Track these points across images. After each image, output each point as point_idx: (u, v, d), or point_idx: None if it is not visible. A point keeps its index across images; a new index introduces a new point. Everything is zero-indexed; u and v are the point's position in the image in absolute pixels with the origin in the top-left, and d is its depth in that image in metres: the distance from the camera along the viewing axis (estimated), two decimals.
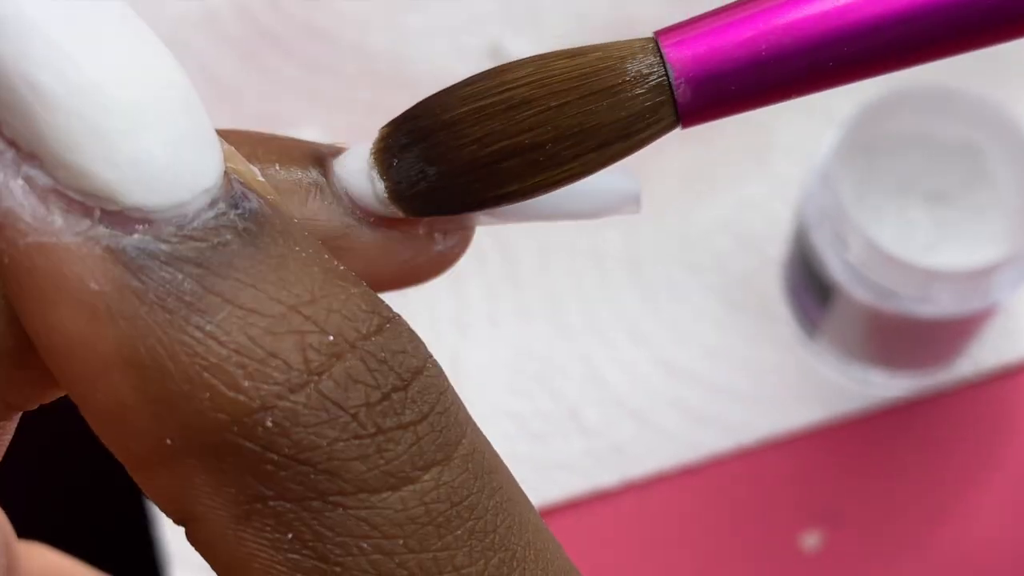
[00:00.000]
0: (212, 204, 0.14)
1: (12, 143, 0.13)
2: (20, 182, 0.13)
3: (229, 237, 0.14)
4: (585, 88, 0.17)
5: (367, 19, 0.59)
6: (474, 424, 0.15)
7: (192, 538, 0.14)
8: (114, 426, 0.14)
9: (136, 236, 0.13)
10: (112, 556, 0.24)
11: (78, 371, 0.14)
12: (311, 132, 0.56)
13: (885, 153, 0.49)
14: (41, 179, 0.13)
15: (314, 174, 0.17)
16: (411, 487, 0.14)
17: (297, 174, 0.17)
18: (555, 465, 0.51)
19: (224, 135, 0.16)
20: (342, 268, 0.15)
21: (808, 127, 0.56)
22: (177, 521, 0.14)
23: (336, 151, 0.17)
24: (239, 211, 0.14)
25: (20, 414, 0.16)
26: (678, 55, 0.17)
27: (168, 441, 0.13)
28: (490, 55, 0.58)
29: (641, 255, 0.54)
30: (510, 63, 0.18)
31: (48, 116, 0.13)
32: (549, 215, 0.19)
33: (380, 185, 0.17)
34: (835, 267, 0.47)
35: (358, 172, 0.17)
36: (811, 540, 0.50)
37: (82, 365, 0.14)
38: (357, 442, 0.14)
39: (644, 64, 0.17)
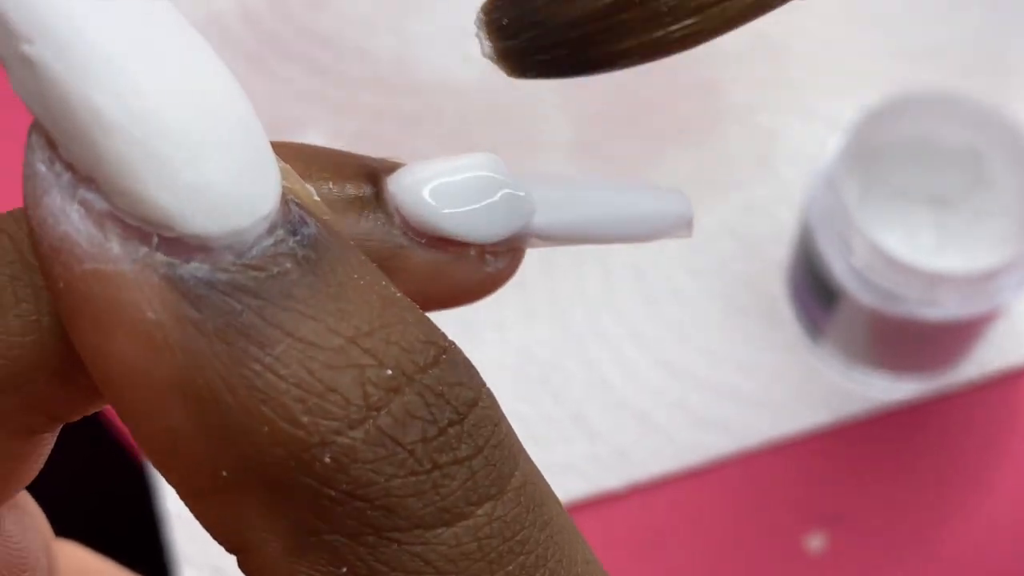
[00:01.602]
0: (271, 230, 0.14)
1: (69, 166, 0.13)
2: (77, 206, 0.13)
3: (288, 266, 0.13)
4: None
5: (372, 24, 0.59)
6: (525, 453, 0.15)
7: (244, 567, 0.14)
8: (168, 455, 0.14)
9: (194, 264, 0.13)
10: (121, 557, 0.24)
11: (133, 399, 0.13)
12: (315, 136, 0.57)
13: (889, 158, 0.49)
14: (98, 203, 0.13)
15: (367, 190, 0.17)
16: (465, 523, 0.14)
17: (350, 190, 0.16)
18: (559, 468, 0.51)
19: (277, 148, 0.16)
20: (398, 295, 0.14)
21: (811, 132, 0.56)
22: (229, 550, 0.14)
23: (390, 167, 0.17)
24: (298, 237, 0.14)
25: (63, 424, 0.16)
26: None
27: (224, 473, 0.13)
28: None
29: (645, 259, 0.55)
30: None
31: (106, 141, 0.13)
32: (601, 238, 0.18)
33: (487, 45, 0.16)
34: (839, 271, 0.47)
35: (412, 190, 0.17)
36: (816, 542, 0.50)
37: (137, 394, 0.13)
38: (413, 479, 0.13)
39: None
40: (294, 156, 0.16)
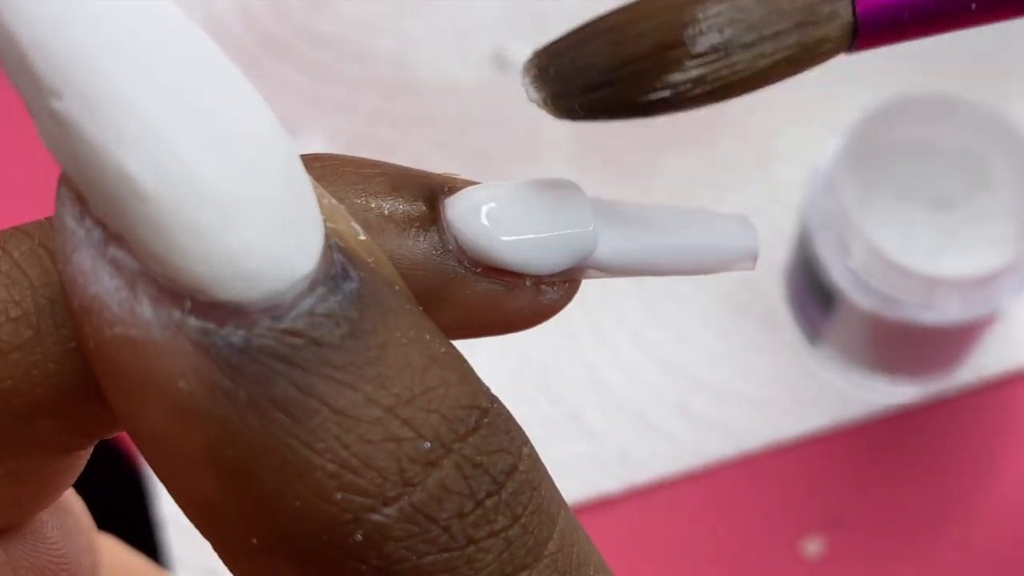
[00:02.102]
0: (311, 288, 0.13)
1: (100, 222, 0.13)
2: (107, 266, 0.13)
3: (327, 330, 0.13)
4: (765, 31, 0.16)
5: (371, 25, 0.59)
6: (566, 510, 0.14)
7: None
8: (199, 517, 0.13)
9: (228, 329, 0.12)
10: None
11: (164, 463, 0.13)
12: (315, 138, 0.56)
13: (888, 160, 0.49)
14: (129, 262, 0.12)
15: (424, 211, 0.16)
16: None
17: (407, 211, 0.16)
18: (558, 471, 0.51)
19: (334, 167, 0.16)
20: (442, 350, 0.14)
21: (810, 134, 0.56)
22: None
23: (451, 186, 0.16)
24: (339, 296, 0.13)
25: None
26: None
27: (253, 540, 0.13)
28: (494, 62, 0.58)
29: None
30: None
31: (138, 207, 0.12)
32: (662, 271, 0.18)
33: (536, 95, 0.16)
34: (838, 273, 0.47)
35: (470, 217, 0.16)
36: (813, 546, 0.50)
37: (168, 460, 0.13)
38: (447, 555, 0.13)
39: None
40: (353, 175, 0.16)
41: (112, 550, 0.21)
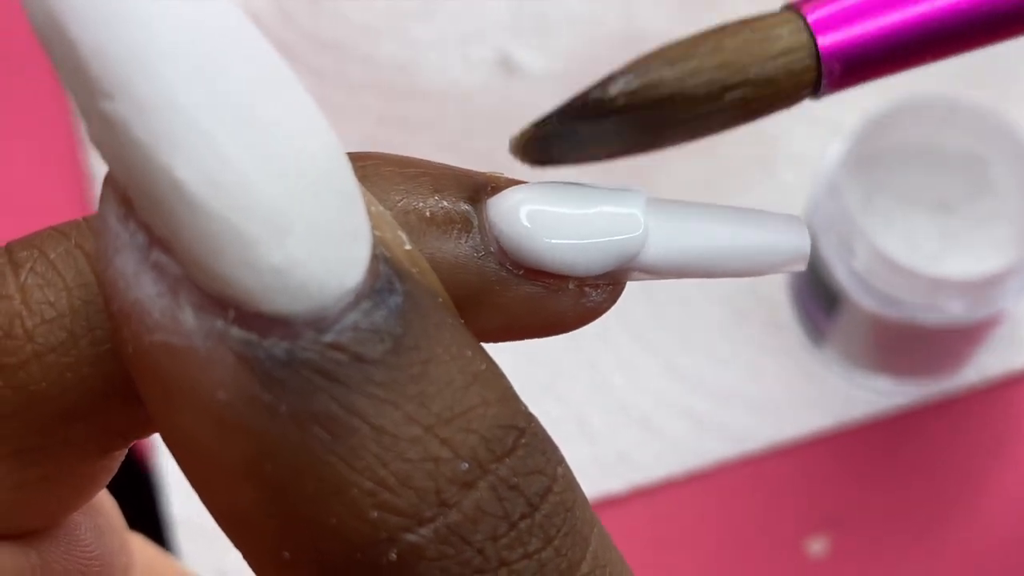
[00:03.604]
0: (356, 302, 0.13)
1: (144, 225, 0.12)
2: (150, 271, 0.12)
3: (370, 346, 0.12)
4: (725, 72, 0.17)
5: (376, 29, 0.59)
6: (599, 529, 0.14)
7: None
8: (233, 529, 0.13)
9: (271, 341, 0.12)
10: None
11: (200, 474, 0.13)
12: None
13: (891, 163, 0.49)
14: (172, 267, 0.12)
15: (467, 210, 0.16)
16: None
17: (450, 211, 0.16)
18: None
19: (376, 166, 0.15)
20: (483, 368, 0.13)
21: (813, 137, 0.56)
22: None
23: (495, 184, 0.16)
24: (384, 311, 0.13)
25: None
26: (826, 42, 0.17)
27: (286, 555, 0.13)
28: (499, 65, 0.58)
29: None
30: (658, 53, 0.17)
31: (187, 214, 0.12)
32: (710, 273, 0.17)
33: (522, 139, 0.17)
34: (841, 275, 0.47)
35: (512, 217, 0.16)
36: (817, 546, 0.50)
37: (205, 470, 0.13)
38: None
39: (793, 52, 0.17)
40: (395, 175, 0.15)
41: (143, 550, 0.21)
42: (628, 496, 0.51)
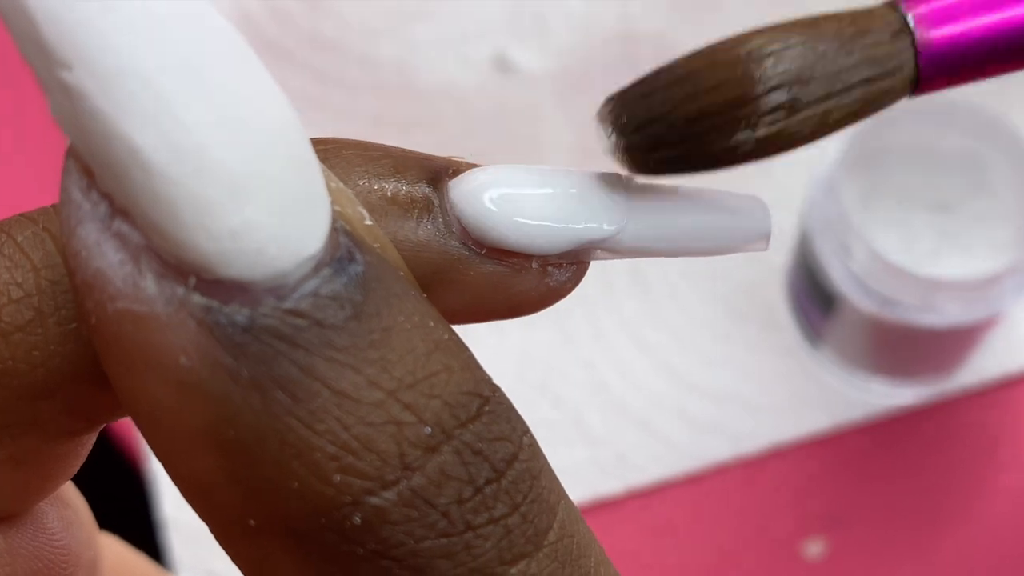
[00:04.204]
0: (316, 270, 0.13)
1: (106, 195, 0.13)
2: (112, 240, 0.12)
3: (331, 312, 0.13)
4: (828, 81, 0.16)
5: (373, 29, 0.59)
6: (566, 501, 0.14)
7: None
8: (197, 497, 0.13)
9: (232, 307, 0.12)
10: None
11: (163, 442, 0.13)
12: None
13: (888, 164, 0.49)
14: (134, 237, 0.12)
15: (428, 193, 0.16)
16: None
17: (411, 192, 0.16)
18: (558, 473, 0.51)
19: (338, 148, 0.16)
20: (445, 337, 0.14)
21: None
22: None
23: (455, 168, 0.16)
24: (344, 279, 0.13)
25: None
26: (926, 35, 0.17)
27: (251, 522, 0.13)
28: (496, 66, 0.58)
29: (645, 263, 0.55)
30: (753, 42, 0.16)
31: (145, 180, 0.12)
32: (671, 253, 0.17)
33: (609, 141, 0.16)
34: (838, 276, 0.47)
35: (473, 199, 0.16)
36: (814, 548, 0.50)
37: (168, 437, 0.13)
38: (445, 540, 0.13)
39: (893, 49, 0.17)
40: (357, 156, 0.16)
41: (113, 548, 0.21)
42: (625, 498, 0.51)
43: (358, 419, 0.13)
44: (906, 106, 0.48)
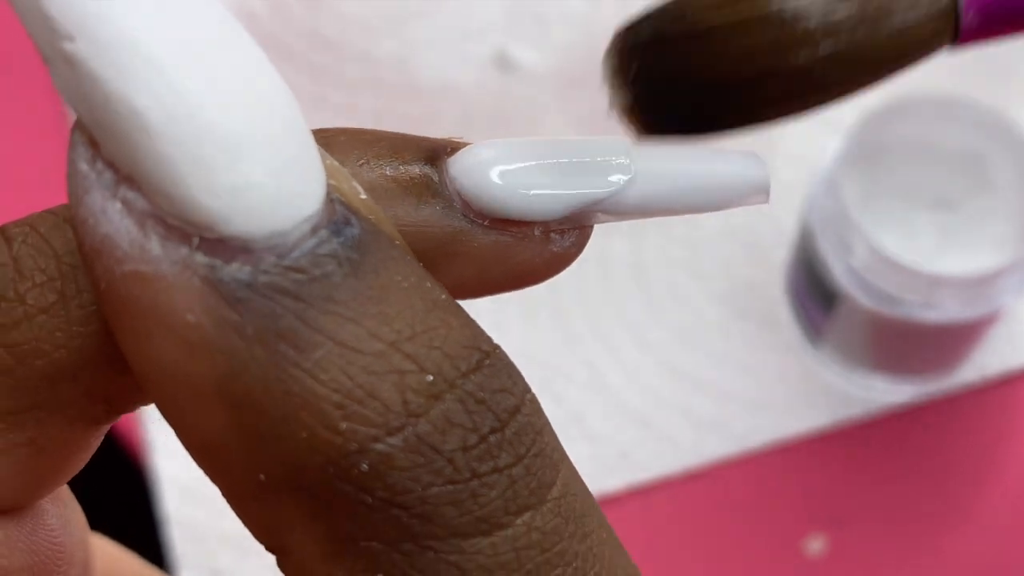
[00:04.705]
0: (313, 231, 0.13)
1: (111, 164, 0.13)
2: (118, 206, 0.13)
3: (330, 268, 0.13)
4: (868, 25, 0.15)
5: (373, 27, 0.59)
6: (568, 463, 0.15)
7: (282, 568, 0.14)
8: (208, 457, 0.14)
9: (235, 265, 0.13)
10: None
11: (172, 401, 0.13)
12: None
13: (889, 161, 0.49)
14: (139, 202, 0.13)
15: (427, 172, 0.16)
16: (503, 532, 0.13)
17: (409, 172, 0.16)
18: None
19: (333, 135, 0.16)
20: (443, 297, 0.14)
21: (811, 135, 0.56)
22: (268, 550, 0.14)
23: (453, 147, 0.17)
24: (340, 239, 0.13)
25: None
26: None
27: (261, 477, 0.13)
28: (495, 63, 0.58)
29: (646, 261, 0.55)
30: None
31: (147, 142, 0.13)
32: (672, 211, 0.18)
33: (614, 97, 0.16)
34: (839, 273, 0.47)
35: (474, 171, 0.16)
36: (815, 545, 0.50)
37: (177, 396, 0.13)
38: (451, 487, 0.13)
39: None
40: (352, 141, 0.16)
41: (105, 549, 0.22)
42: (626, 495, 0.51)
43: (361, 368, 0.13)
44: (907, 102, 0.48)
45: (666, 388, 0.53)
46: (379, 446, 0.13)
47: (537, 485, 0.14)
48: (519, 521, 0.13)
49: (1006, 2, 0.16)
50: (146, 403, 0.16)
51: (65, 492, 0.19)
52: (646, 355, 0.53)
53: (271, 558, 0.14)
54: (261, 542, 0.14)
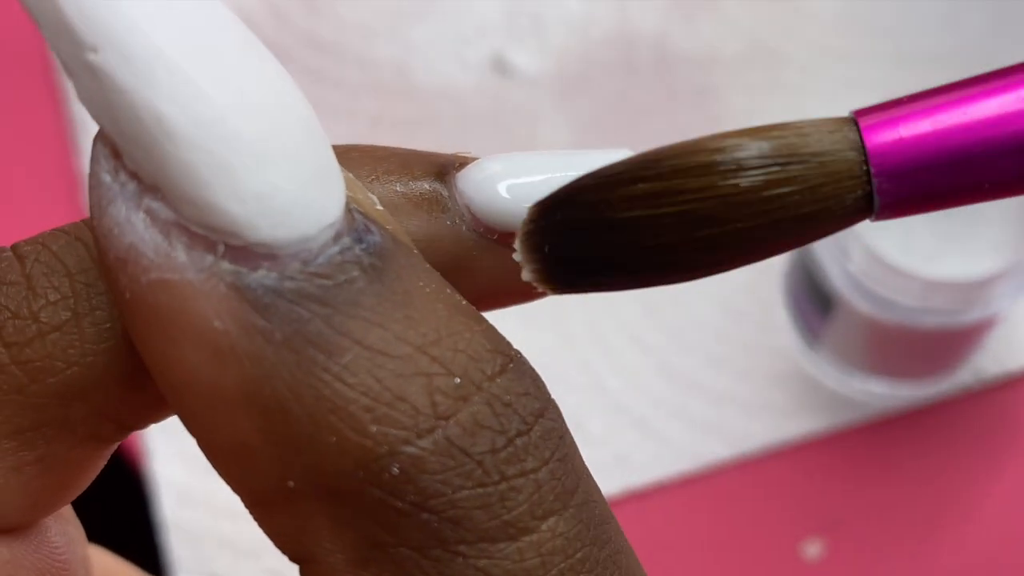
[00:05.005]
0: (336, 238, 0.13)
1: (134, 175, 0.13)
2: (142, 216, 0.13)
3: (355, 274, 0.13)
4: (778, 213, 0.16)
5: (371, 30, 0.59)
6: (587, 470, 0.15)
7: None
8: (234, 464, 0.14)
9: (261, 272, 0.13)
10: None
11: (199, 409, 0.13)
12: None
13: None
14: (163, 212, 0.13)
15: (436, 188, 0.16)
16: (528, 538, 0.13)
17: (419, 188, 0.16)
18: None
19: (344, 152, 0.16)
20: (464, 303, 0.14)
21: None
22: (292, 559, 0.14)
23: (462, 162, 0.17)
24: (363, 246, 0.14)
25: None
26: (885, 170, 0.16)
27: (290, 483, 0.13)
28: (494, 67, 0.58)
29: None
30: (679, 156, 0.16)
31: (172, 149, 0.13)
32: None
33: (528, 268, 0.16)
34: (836, 277, 0.47)
35: (482, 185, 0.16)
36: (812, 549, 0.50)
37: (204, 404, 0.13)
38: (481, 490, 0.13)
39: (850, 189, 0.16)
40: (363, 158, 0.16)
41: (103, 562, 0.22)
42: (624, 499, 0.51)
43: (389, 372, 0.13)
44: None
45: (663, 392, 0.53)
46: (409, 449, 0.13)
47: (562, 490, 0.14)
48: (544, 526, 0.13)
49: (919, 188, 0.16)
50: (155, 421, 0.16)
51: (66, 509, 0.19)
52: (643, 358, 0.53)
53: (268, 562, 0.14)
54: (285, 552, 0.14)
